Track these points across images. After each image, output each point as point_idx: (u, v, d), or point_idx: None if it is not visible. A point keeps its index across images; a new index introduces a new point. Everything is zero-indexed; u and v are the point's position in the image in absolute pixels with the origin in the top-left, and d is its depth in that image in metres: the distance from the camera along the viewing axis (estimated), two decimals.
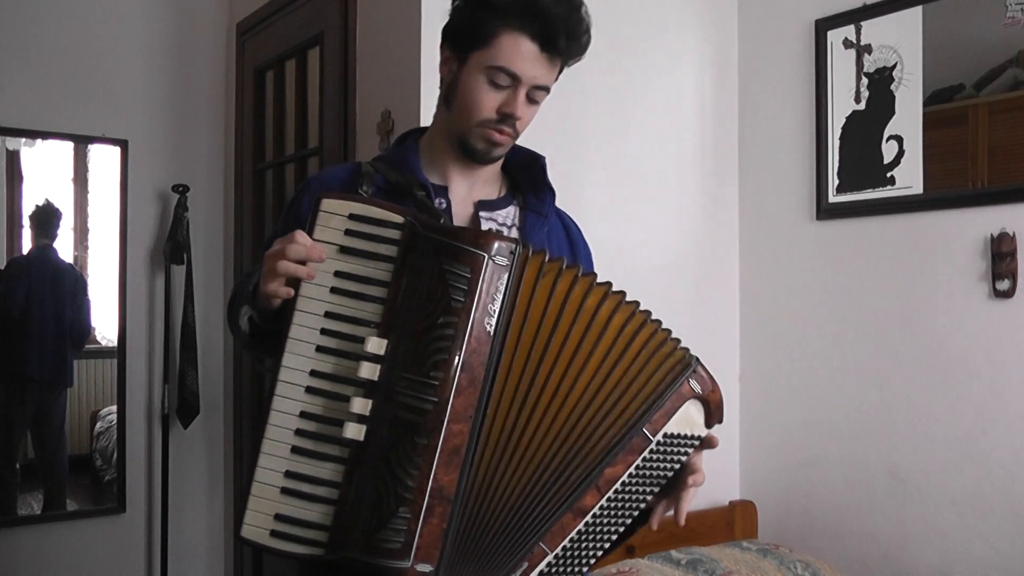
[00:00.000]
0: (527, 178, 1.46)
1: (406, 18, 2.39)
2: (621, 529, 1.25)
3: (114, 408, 3.24)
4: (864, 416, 2.65)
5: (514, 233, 1.42)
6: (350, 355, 1.16)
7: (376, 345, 1.15)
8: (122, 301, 3.21)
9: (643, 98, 2.77)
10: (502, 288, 1.16)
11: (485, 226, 1.40)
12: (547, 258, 1.19)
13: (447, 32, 1.37)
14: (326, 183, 1.36)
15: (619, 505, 1.24)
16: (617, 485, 1.23)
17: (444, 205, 1.37)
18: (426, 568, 1.13)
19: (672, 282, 2.83)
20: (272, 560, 3.10)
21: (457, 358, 1.14)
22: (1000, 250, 2.35)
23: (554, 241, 1.45)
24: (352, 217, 1.17)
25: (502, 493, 1.19)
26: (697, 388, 1.29)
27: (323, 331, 1.17)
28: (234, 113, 3.38)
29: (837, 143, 2.74)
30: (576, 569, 1.23)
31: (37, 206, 3.15)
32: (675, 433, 1.27)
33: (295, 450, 1.16)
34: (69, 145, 3.20)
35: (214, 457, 3.42)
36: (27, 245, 3.16)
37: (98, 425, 3.30)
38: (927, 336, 2.52)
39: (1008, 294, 2.35)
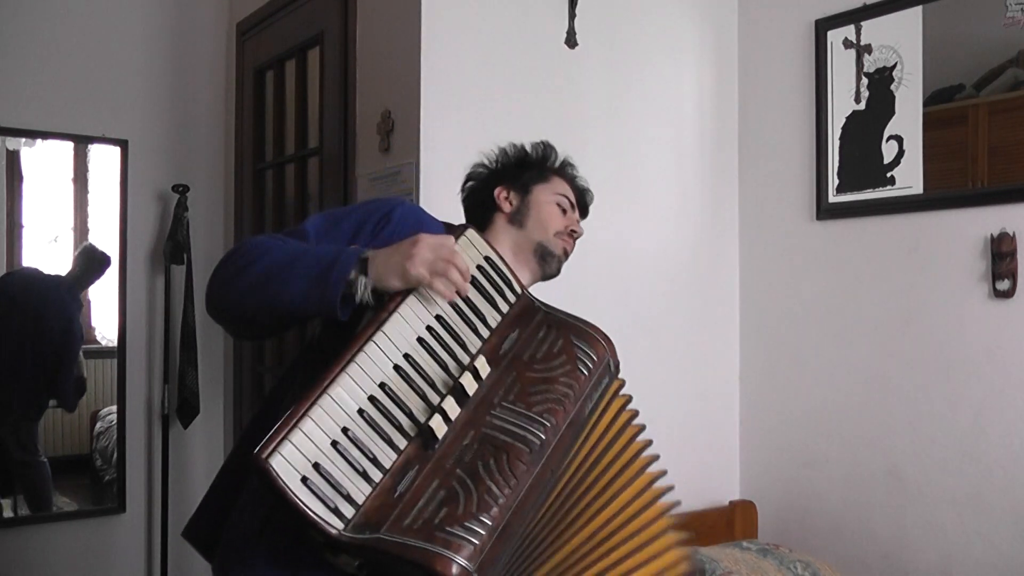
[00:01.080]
0: None
1: (406, 18, 2.39)
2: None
3: (114, 408, 3.24)
4: (864, 416, 2.65)
5: None
6: (447, 364, 1.24)
7: (484, 367, 1.25)
8: (122, 301, 3.21)
9: (643, 98, 2.77)
10: (602, 385, 1.34)
11: None
12: (623, 386, 1.42)
13: (503, 175, 1.65)
14: (419, 216, 1.47)
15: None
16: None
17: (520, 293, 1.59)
18: (471, 566, 1.08)
19: (672, 282, 2.83)
20: None
21: (569, 414, 1.26)
22: (1000, 250, 2.35)
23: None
24: (488, 260, 1.36)
25: (546, 549, 1.25)
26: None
27: (429, 328, 1.24)
28: (234, 113, 3.38)
29: (837, 143, 2.74)
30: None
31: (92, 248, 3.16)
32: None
33: (362, 413, 1.14)
34: (69, 145, 3.20)
35: (214, 457, 3.41)
36: (27, 246, 3.14)
37: (98, 425, 3.30)
38: (927, 336, 2.52)
39: (1008, 294, 2.35)
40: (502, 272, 1.37)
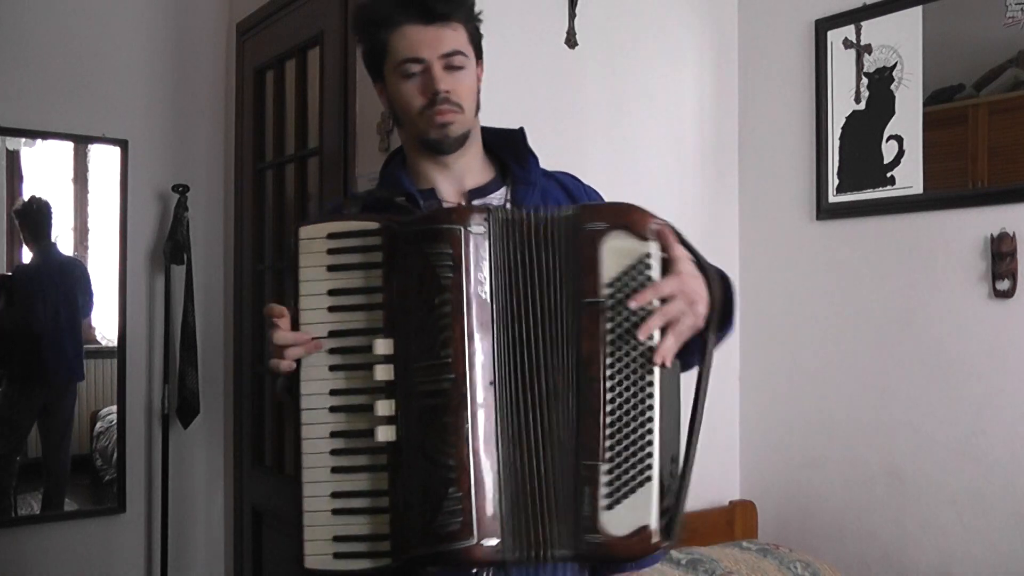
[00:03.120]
0: (510, 154, 1.47)
1: None
2: (651, 389, 1.16)
3: (114, 408, 3.24)
4: (864, 416, 2.65)
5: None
6: (362, 365, 1.18)
7: (384, 346, 1.17)
8: (122, 301, 3.21)
9: (643, 98, 2.77)
10: (485, 254, 1.17)
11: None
12: (516, 213, 1.21)
13: (368, 70, 1.46)
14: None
15: (630, 375, 1.16)
16: (607, 359, 1.15)
17: (435, 206, 1.39)
18: (492, 542, 1.12)
19: None
20: (274, 560, 3.10)
21: (461, 330, 1.14)
22: (1000, 250, 2.35)
23: (550, 202, 1.45)
24: (331, 236, 1.21)
25: (535, 443, 1.17)
26: (599, 224, 1.17)
27: (331, 351, 1.19)
28: (234, 113, 3.38)
29: (837, 143, 2.74)
30: (642, 463, 1.15)
31: (23, 203, 3.13)
32: (617, 275, 1.17)
33: (335, 470, 1.18)
34: (69, 145, 3.20)
35: (214, 457, 3.42)
36: (30, 254, 3.16)
37: (98, 425, 3.30)
38: (927, 336, 2.52)
39: (1008, 294, 2.35)
40: (348, 232, 1.21)
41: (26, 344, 3.14)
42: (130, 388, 3.24)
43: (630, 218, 1.17)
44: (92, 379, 3.29)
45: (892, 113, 2.61)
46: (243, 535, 3.23)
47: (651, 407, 1.15)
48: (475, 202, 1.41)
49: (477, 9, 1.41)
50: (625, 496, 1.14)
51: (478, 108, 1.42)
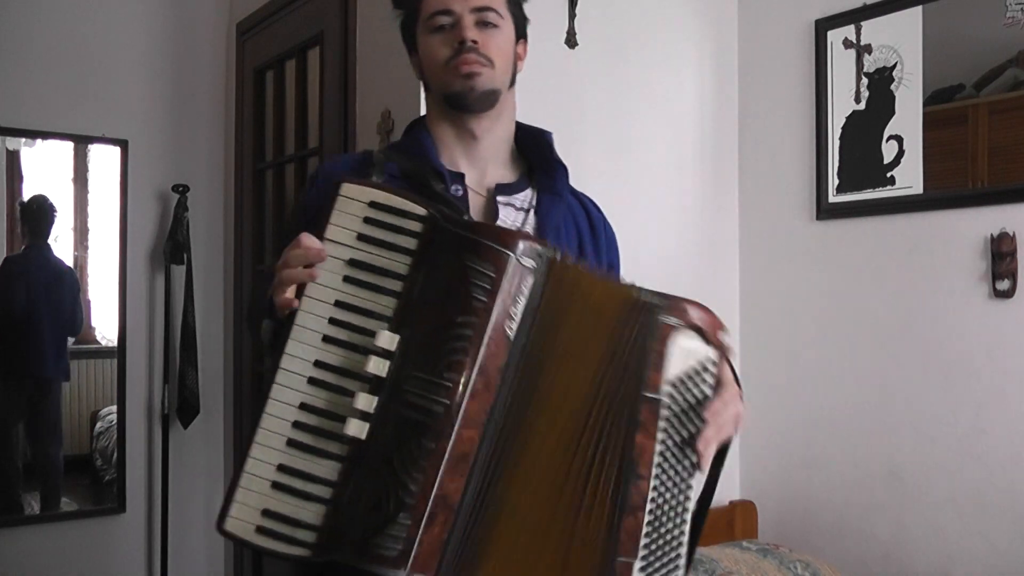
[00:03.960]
0: (538, 156, 1.42)
1: None
2: (690, 494, 1.17)
3: (114, 408, 3.24)
4: (864, 416, 2.65)
5: (531, 216, 1.37)
6: (359, 348, 1.09)
7: (387, 340, 1.08)
8: (122, 301, 3.21)
9: (643, 98, 2.77)
10: (526, 291, 1.10)
11: (503, 211, 1.35)
12: (575, 263, 1.15)
13: (404, 40, 1.40)
14: (334, 174, 1.28)
15: (672, 477, 1.15)
16: (656, 459, 1.13)
17: (460, 192, 1.33)
18: None
19: (672, 282, 2.79)
20: (272, 560, 3.10)
21: (473, 360, 1.07)
22: (1000, 250, 2.35)
23: (572, 223, 1.41)
24: (373, 205, 1.12)
25: (516, 505, 1.10)
26: (672, 320, 1.15)
27: (332, 320, 1.11)
28: (234, 113, 3.38)
29: (837, 143, 2.74)
30: (672, 562, 1.16)
31: (32, 198, 3.13)
32: (680, 376, 1.16)
33: (291, 443, 1.09)
34: (69, 145, 3.20)
35: (214, 457, 3.42)
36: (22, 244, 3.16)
37: (98, 425, 3.30)
38: (927, 336, 2.52)
39: (1008, 294, 2.35)
40: (393, 208, 1.12)
41: (11, 336, 3.12)
42: (130, 388, 3.24)
43: (704, 320, 1.17)
44: (92, 379, 3.29)
45: (892, 113, 2.61)
46: None
47: (687, 510, 1.16)
48: (499, 199, 1.35)
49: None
50: None
51: (512, 80, 1.36)
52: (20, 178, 3.14)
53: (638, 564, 1.12)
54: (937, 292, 2.50)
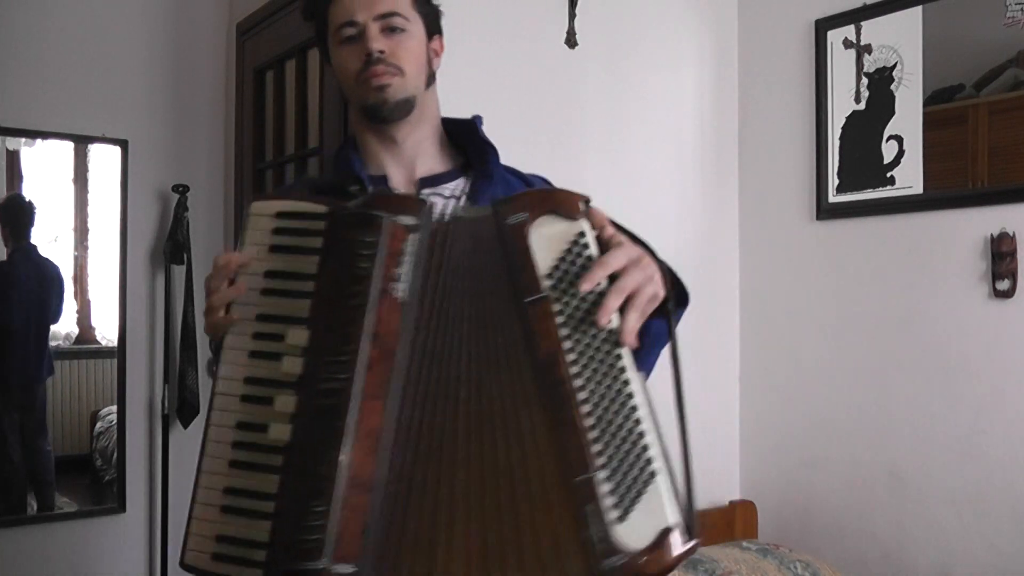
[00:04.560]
0: (469, 145, 1.39)
1: None
2: (630, 381, 1.04)
3: (114, 408, 3.23)
4: (864, 416, 2.65)
5: (462, 202, 1.34)
6: (277, 355, 1.09)
7: (296, 335, 1.07)
8: (122, 301, 3.20)
9: (643, 98, 2.77)
10: (408, 249, 1.08)
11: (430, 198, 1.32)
12: (441, 209, 1.11)
13: (320, 53, 1.40)
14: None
15: (597, 366, 1.04)
16: (570, 356, 1.03)
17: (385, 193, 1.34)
18: (346, 569, 1.01)
19: None
20: None
21: (361, 329, 1.05)
22: (1000, 250, 2.35)
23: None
24: (279, 215, 1.13)
25: (451, 481, 1.04)
26: (522, 215, 1.07)
27: (255, 335, 1.10)
28: (234, 113, 3.38)
29: (837, 143, 2.74)
30: (640, 459, 1.02)
31: (7, 198, 3.09)
32: (554, 263, 1.06)
33: (233, 463, 1.08)
34: (69, 145, 3.20)
35: None
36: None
37: (98, 425, 3.29)
38: (927, 336, 2.52)
39: (1008, 294, 2.35)
40: (295, 212, 1.13)
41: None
42: (130, 388, 3.23)
43: (554, 200, 1.08)
44: (92, 379, 3.29)
45: (892, 113, 2.61)
46: None
47: (631, 395, 1.03)
48: (425, 191, 1.33)
49: None
50: (635, 501, 1.00)
51: (430, 81, 1.35)
52: (20, 178, 3.13)
53: (602, 475, 1.00)
54: (937, 292, 2.50)
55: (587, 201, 1.10)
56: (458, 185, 1.36)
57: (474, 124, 1.40)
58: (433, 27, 1.36)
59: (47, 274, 3.21)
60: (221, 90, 3.45)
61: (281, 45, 3.06)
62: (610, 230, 1.10)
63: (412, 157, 1.36)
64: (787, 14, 2.88)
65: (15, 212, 3.13)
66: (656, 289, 1.09)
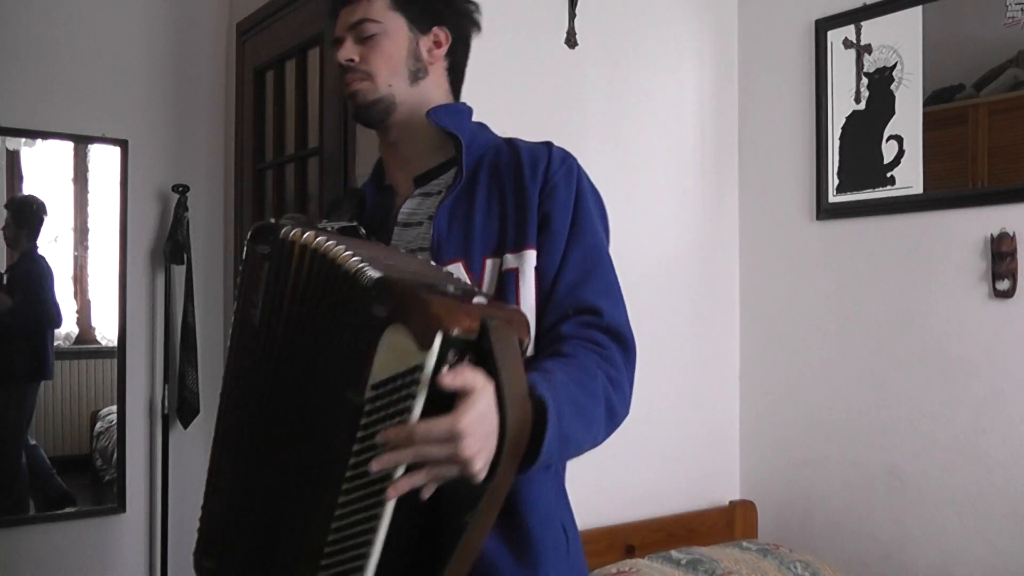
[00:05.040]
0: (459, 131, 1.34)
1: None
2: (378, 528, 0.96)
3: (114, 408, 3.24)
4: (864, 416, 2.65)
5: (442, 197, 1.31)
6: None
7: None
8: (122, 301, 3.21)
9: (643, 98, 2.77)
10: (263, 277, 1.11)
11: (411, 203, 1.33)
12: (313, 233, 1.09)
13: None
14: None
15: (361, 497, 0.97)
16: (348, 471, 0.98)
17: (374, 200, 1.39)
18: (209, 563, 1.15)
19: (672, 282, 2.83)
20: None
21: (231, 348, 1.16)
22: (1000, 250, 2.35)
23: (495, 183, 1.30)
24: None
25: (258, 490, 1.11)
26: (382, 312, 0.95)
27: None
28: (234, 113, 3.38)
29: (837, 143, 2.74)
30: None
31: (27, 198, 3.12)
32: (384, 379, 0.95)
33: None
34: (69, 145, 3.20)
35: None
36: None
37: (98, 425, 3.30)
38: (927, 336, 2.52)
39: (1008, 294, 2.35)
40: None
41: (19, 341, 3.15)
42: (130, 388, 3.24)
43: (416, 313, 0.93)
44: (92, 379, 3.29)
45: (892, 113, 2.61)
46: None
47: (370, 542, 0.96)
48: (418, 191, 1.34)
49: None
50: None
51: (417, 76, 1.34)
52: (20, 178, 3.14)
53: None
54: (937, 292, 2.50)
55: (471, 326, 0.94)
56: (449, 177, 1.34)
57: (450, 111, 1.35)
58: (424, 20, 1.35)
59: (46, 273, 3.22)
60: (221, 90, 3.45)
61: (281, 45, 3.06)
62: (463, 379, 0.94)
63: (409, 158, 1.37)
64: (787, 14, 2.88)
65: (30, 213, 3.14)
66: (459, 470, 0.96)
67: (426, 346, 0.91)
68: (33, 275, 3.19)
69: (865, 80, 2.68)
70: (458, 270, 1.22)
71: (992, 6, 2.39)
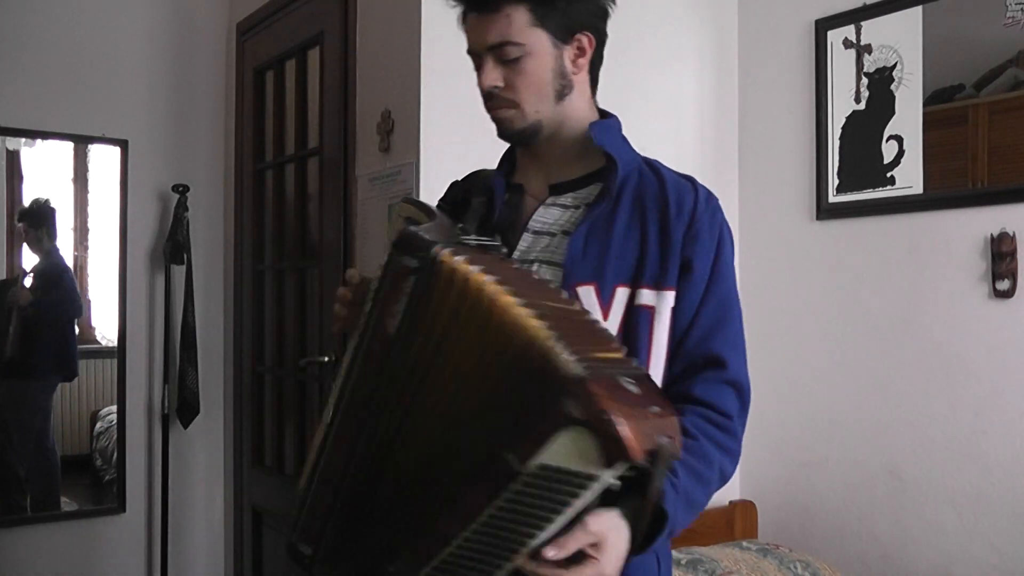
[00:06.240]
0: (612, 146, 1.33)
1: (406, 18, 2.39)
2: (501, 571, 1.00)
3: (114, 408, 3.24)
4: (864, 416, 2.65)
5: (580, 212, 1.29)
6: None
7: (351, 347, 1.18)
8: (122, 301, 3.21)
9: (643, 98, 2.77)
10: (407, 289, 1.07)
11: (544, 211, 1.32)
12: (464, 258, 1.05)
13: None
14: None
15: (491, 542, 0.99)
16: (483, 518, 0.99)
17: (504, 199, 1.35)
18: (305, 549, 1.19)
19: None
20: (273, 559, 3.10)
21: (357, 347, 1.14)
22: (1000, 250, 2.35)
23: (637, 212, 1.28)
24: (398, 236, 1.16)
25: (381, 491, 1.12)
26: (575, 412, 0.92)
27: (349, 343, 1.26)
28: (234, 113, 3.38)
29: (837, 143, 2.74)
30: None
31: (35, 202, 3.15)
32: (555, 466, 0.93)
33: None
34: (69, 145, 3.20)
35: (214, 457, 3.42)
36: (30, 254, 3.16)
37: (98, 425, 3.30)
38: (927, 336, 2.52)
39: (1008, 294, 2.35)
40: (403, 238, 1.13)
41: (32, 341, 3.18)
42: (130, 388, 3.24)
43: (610, 433, 0.90)
44: (92, 379, 3.29)
45: (892, 113, 2.61)
46: (243, 535, 3.23)
47: None
48: (550, 199, 1.32)
49: None
50: None
51: (563, 94, 1.30)
52: (20, 178, 3.14)
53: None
54: (937, 292, 2.50)
55: (650, 456, 0.93)
56: (589, 192, 1.32)
57: (607, 128, 1.35)
58: (566, 30, 1.30)
59: (64, 267, 3.25)
60: (221, 90, 3.45)
61: (281, 45, 3.06)
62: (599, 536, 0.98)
63: (550, 163, 1.35)
64: (787, 14, 2.88)
65: (45, 214, 3.18)
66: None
67: (610, 465, 0.91)
68: (56, 271, 3.22)
69: (865, 80, 2.68)
70: (588, 295, 1.22)
71: (992, 6, 2.39)
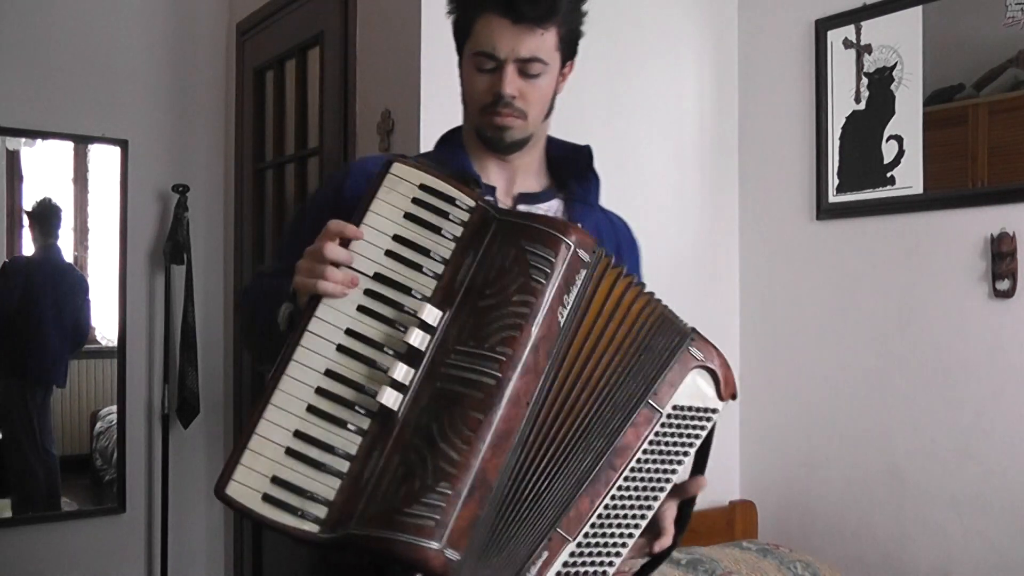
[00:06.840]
0: (571, 169, 1.46)
1: (406, 18, 2.39)
2: (647, 513, 1.14)
3: (114, 408, 3.24)
4: (864, 416, 2.65)
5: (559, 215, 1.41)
6: (394, 322, 1.09)
7: (431, 315, 1.08)
8: (122, 301, 3.21)
9: (643, 98, 2.77)
10: (579, 282, 1.12)
11: (525, 208, 1.39)
12: (623, 272, 1.19)
13: (454, 37, 1.38)
14: (368, 170, 1.25)
15: (638, 486, 1.14)
16: (632, 462, 1.13)
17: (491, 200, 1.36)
18: (454, 556, 0.99)
19: (672, 282, 2.79)
20: (274, 559, 3.10)
21: (528, 338, 1.07)
22: (1000, 250, 2.35)
23: (603, 236, 1.42)
24: (423, 188, 1.15)
25: (536, 487, 1.09)
26: (699, 356, 1.20)
27: (368, 292, 1.10)
28: (234, 113, 3.39)
29: (837, 143, 2.74)
30: (602, 561, 1.12)
31: (37, 203, 3.16)
32: (685, 405, 1.18)
33: (311, 409, 1.06)
34: (69, 145, 3.20)
35: (214, 457, 3.42)
36: (27, 245, 3.16)
37: (98, 425, 3.30)
38: (927, 336, 2.52)
39: (1008, 294, 2.35)
40: (442, 193, 1.15)
41: (8, 336, 3.15)
42: (130, 388, 3.24)
43: (721, 367, 1.22)
44: (92, 379, 3.29)
45: (892, 113, 2.61)
46: (243, 535, 3.23)
47: (638, 526, 1.14)
48: (520, 207, 1.38)
49: (584, 7, 1.35)
50: None
51: (549, 113, 1.40)
52: (20, 178, 3.14)
53: (571, 547, 1.09)
54: (937, 292, 2.50)
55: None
56: (554, 206, 1.42)
57: (586, 151, 1.48)
58: (570, 56, 1.37)
59: (64, 276, 3.25)
60: (221, 90, 3.45)
61: (281, 45, 3.06)
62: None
63: (515, 170, 1.41)
64: (787, 14, 2.88)
65: (44, 214, 3.18)
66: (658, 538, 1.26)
67: (724, 398, 1.21)
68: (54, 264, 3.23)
69: (865, 80, 2.68)
70: None
71: (992, 6, 2.39)
